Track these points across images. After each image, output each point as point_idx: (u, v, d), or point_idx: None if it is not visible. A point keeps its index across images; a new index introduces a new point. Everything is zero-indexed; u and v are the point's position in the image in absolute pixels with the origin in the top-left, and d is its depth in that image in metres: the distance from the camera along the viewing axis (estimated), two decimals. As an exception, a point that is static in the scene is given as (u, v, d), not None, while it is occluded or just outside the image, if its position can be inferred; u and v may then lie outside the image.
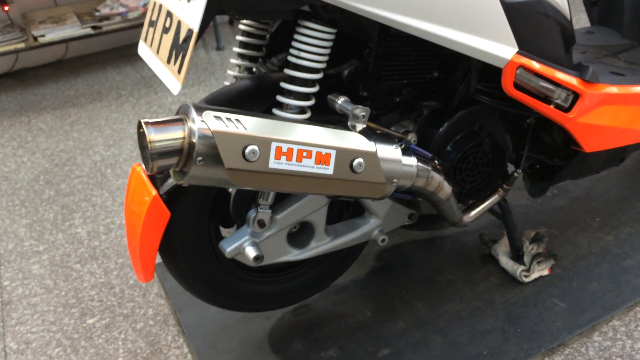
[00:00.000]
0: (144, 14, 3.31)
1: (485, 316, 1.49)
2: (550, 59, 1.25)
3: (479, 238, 1.70)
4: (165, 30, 1.12)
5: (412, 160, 1.17)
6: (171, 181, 1.19)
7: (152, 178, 1.23)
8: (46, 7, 3.40)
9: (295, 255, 1.30)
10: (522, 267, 1.56)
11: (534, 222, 1.81)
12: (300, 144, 1.00)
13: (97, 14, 3.28)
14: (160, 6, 1.17)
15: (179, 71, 1.03)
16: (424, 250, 1.74)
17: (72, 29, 3.18)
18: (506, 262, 1.61)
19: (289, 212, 1.24)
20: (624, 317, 1.46)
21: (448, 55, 1.23)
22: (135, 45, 3.79)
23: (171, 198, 1.19)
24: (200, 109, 0.96)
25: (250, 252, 1.21)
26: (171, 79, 1.06)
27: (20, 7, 3.37)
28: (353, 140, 1.07)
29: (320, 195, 1.26)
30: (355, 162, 1.05)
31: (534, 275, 1.57)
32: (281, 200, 1.25)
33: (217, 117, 0.95)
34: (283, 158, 0.98)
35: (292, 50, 1.11)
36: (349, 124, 1.11)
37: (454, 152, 1.30)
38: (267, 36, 1.37)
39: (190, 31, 1.01)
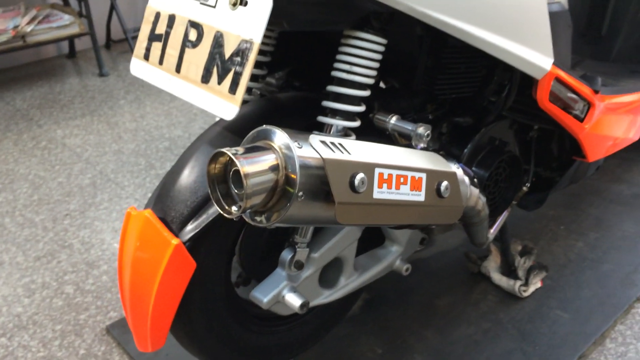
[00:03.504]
0: (14, 37, 2.88)
1: (499, 337, 1.43)
2: (567, 70, 1.24)
3: (464, 257, 1.66)
4: (192, 44, 0.92)
5: (467, 180, 1.08)
6: (192, 226, 0.99)
7: (165, 223, 1.01)
8: None
9: (326, 296, 1.15)
10: (519, 282, 1.54)
11: (503, 235, 1.82)
12: (398, 168, 0.85)
13: (-45, 37, 2.79)
14: (173, 17, 0.97)
15: (233, 91, 0.84)
16: (411, 275, 1.65)
17: None
18: (499, 278, 1.58)
19: (327, 249, 1.09)
20: (626, 321, 1.49)
21: (486, 69, 1.16)
22: (2, 72, 3.30)
23: (195, 245, 0.99)
24: (293, 134, 0.77)
25: (294, 300, 1.04)
26: (216, 101, 0.87)
27: None
28: (436, 161, 0.95)
29: (356, 227, 1.12)
30: (443, 185, 0.93)
31: (531, 288, 1.56)
32: (315, 236, 1.10)
33: (322, 142, 0.77)
34: (384, 186, 0.83)
35: (339, 65, 0.98)
36: (413, 144, 0.99)
37: (483, 168, 1.23)
38: (269, 52, 1.21)
39: (247, 43, 0.83)
